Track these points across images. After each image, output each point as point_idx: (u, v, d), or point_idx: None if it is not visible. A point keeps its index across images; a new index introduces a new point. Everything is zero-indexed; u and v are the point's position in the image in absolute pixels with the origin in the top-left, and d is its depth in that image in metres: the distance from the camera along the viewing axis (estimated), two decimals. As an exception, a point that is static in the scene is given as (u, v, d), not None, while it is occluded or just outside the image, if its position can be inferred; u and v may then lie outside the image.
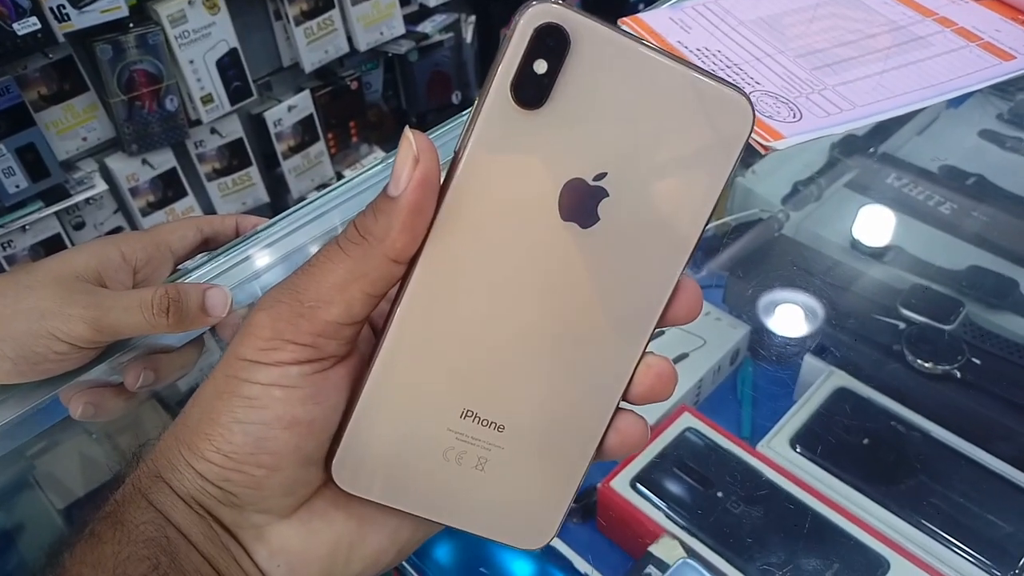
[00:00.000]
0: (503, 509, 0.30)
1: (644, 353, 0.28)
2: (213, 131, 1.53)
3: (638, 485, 0.61)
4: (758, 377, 0.74)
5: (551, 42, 0.24)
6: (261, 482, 0.27)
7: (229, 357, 0.28)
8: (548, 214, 0.26)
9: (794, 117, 0.53)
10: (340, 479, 0.28)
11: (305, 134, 1.64)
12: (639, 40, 0.25)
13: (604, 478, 0.62)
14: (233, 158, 1.58)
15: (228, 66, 1.46)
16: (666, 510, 0.60)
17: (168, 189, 1.51)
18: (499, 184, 0.25)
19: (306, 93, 1.62)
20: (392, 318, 0.27)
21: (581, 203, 0.26)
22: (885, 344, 0.67)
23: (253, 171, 1.61)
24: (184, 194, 1.54)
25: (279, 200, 1.68)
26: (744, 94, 0.26)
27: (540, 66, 0.24)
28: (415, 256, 0.26)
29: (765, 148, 0.50)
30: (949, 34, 0.60)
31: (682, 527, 0.59)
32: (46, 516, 0.73)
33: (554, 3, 0.24)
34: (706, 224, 0.26)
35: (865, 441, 0.63)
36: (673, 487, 0.61)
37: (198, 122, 1.49)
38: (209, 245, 0.50)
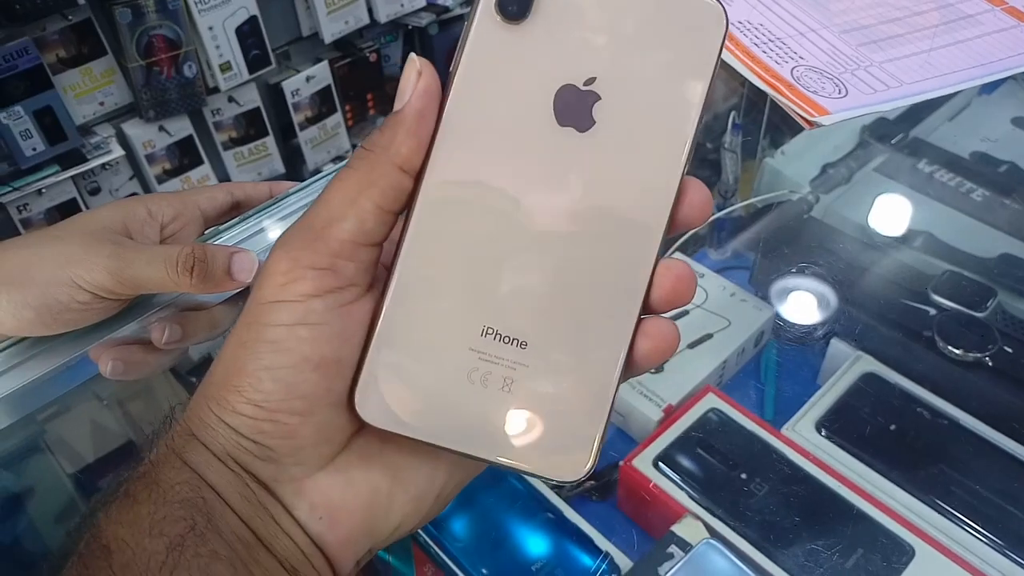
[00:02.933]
0: (536, 435, 0.28)
1: (659, 257, 0.28)
2: (231, 99, 1.52)
3: (660, 464, 0.61)
4: (783, 360, 0.73)
5: None
6: (295, 430, 0.27)
7: (250, 304, 0.27)
8: (545, 121, 0.27)
9: (839, 93, 0.51)
10: (363, 411, 0.27)
11: (322, 105, 1.63)
12: None
13: (626, 457, 0.62)
14: (250, 127, 1.57)
15: (247, 34, 1.45)
16: (688, 490, 0.59)
17: (184, 157, 1.50)
18: (494, 96, 0.27)
19: (324, 64, 1.60)
20: (403, 239, 0.27)
21: (575, 107, 0.27)
22: (915, 330, 0.66)
23: (269, 141, 1.60)
24: (200, 162, 1.53)
25: (295, 171, 1.67)
26: (716, 3, 0.27)
27: None
28: (419, 176, 0.27)
29: (810, 123, 0.49)
30: (999, 13, 0.58)
31: (704, 508, 0.58)
32: (56, 480, 0.73)
33: None
34: (699, 123, 0.27)
35: (892, 427, 0.62)
36: (696, 467, 0.60)
37: (216, 90, 1.48)
38: (240, 209, 0.49)
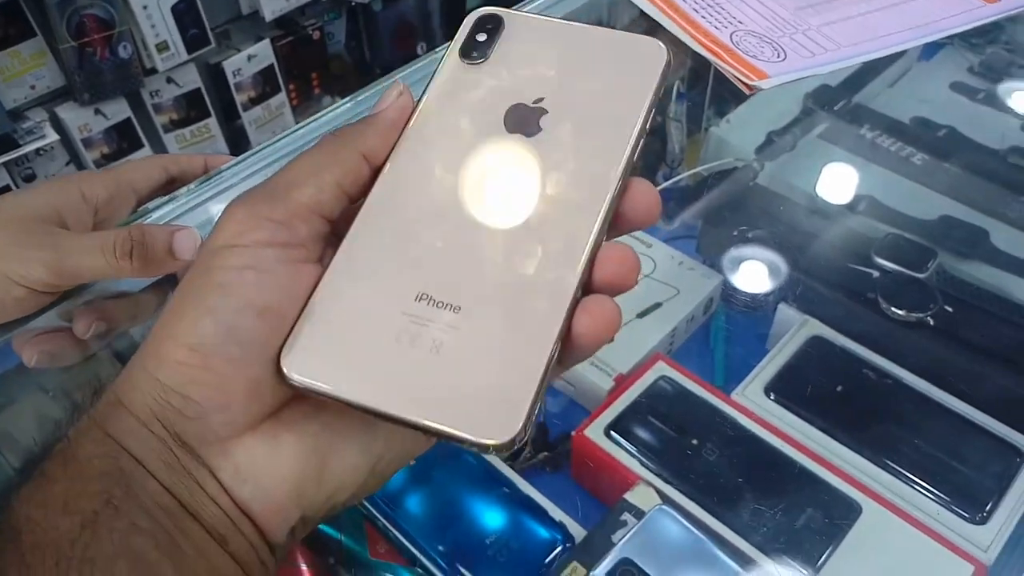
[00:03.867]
0: (462, 396, 0.27)
1: (598, 241, 0.29)
2: (169, 80, 1.48)
3: (612, 433, 0.61)
4: (731, 326, 0.74)
5: (489, 23, 0.32)
6: (227, 380, 0.26)
7: (201, 253, 0.28)
8: (495, 128, 0.30)
9: (778, 57, 0.51)
10: (288, 368, 0.27)
11: (266, 85, 1.60)
12: (561, 19, 0.32)
13: (578, 427, 0.61)
14: (191, 109, 1.53)
15: (184, 12, 1.41)
16: (641, 458, 0.59)
17: (123, 140, 1.46)
18: (452, 112, 0.31)
19: (266, 42, 1.57)
20: (354, 219, 0.29)
21: (523, 118, 0.30)
22: (859, 292, 0.67)
23: (212, 122, 1.56)
24: (140, 145, 1.49)
25: (239, 153, 1.64)
26: (657, 41, 0.31)
27: (481, 36, 0.32)
28: (377, 173, 0.30)
29: (749, 88, 0.49)
30: (934, -26, 0.59)
31: (657, 475, 0.58)
32: (2, 474, 0.71)
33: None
34: (640, 134, 0.30)
35: (839, 389, 0.62)
36: (647, 435, 0.60)
37: (153, 71, 1.44)
38: (175, 185, 0.48)
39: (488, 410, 0.26)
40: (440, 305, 0.28)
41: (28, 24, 1.29)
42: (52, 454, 0.26)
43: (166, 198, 0.48)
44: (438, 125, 0.31)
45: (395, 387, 0.27)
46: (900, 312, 0.64)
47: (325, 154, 0.29)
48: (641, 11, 0.58)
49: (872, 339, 0.64)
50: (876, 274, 0.68)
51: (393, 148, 0.30)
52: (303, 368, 0.27)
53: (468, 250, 0.28)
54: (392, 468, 0.30)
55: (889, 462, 0.58)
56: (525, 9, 0.57)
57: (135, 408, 0.26)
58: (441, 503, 0.59)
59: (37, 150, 1.35)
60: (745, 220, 0.76)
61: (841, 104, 0.87)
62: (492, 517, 0.59)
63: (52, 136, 1.35)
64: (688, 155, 0.84)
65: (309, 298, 0.28)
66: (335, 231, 0.29)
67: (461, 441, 0.26)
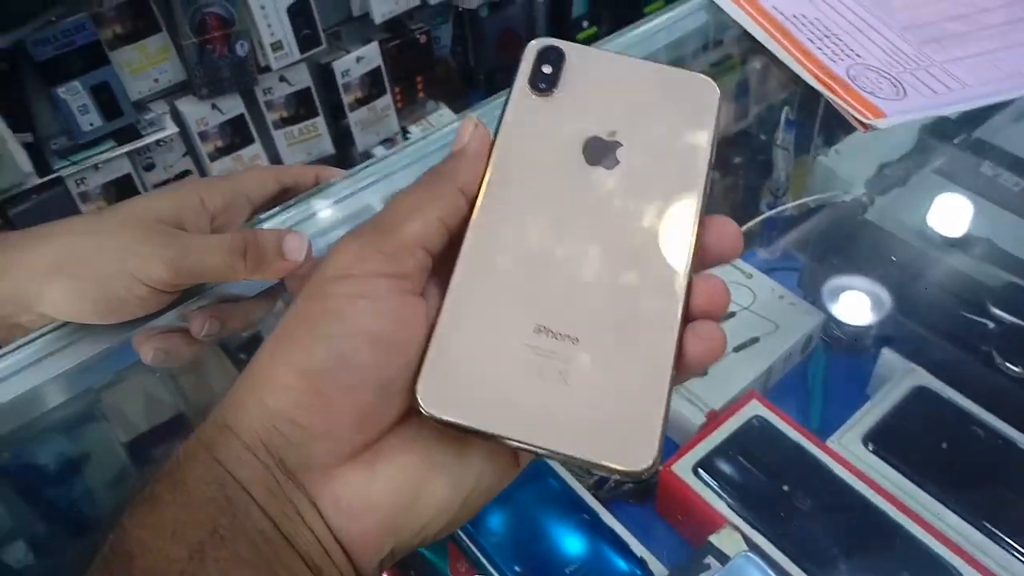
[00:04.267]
0: (594, 427, 0.28)
1: (692, 271, 0.30)
2: (282, 79, 1.52)
3: (700, 471, 0.60)
4: (831, 368, 0.71)
5: (552, 54, 0.33)
6: (337, 406, 0.27)
7: (312, 283, 0.29)
8: (577, 161, 0.31)
9: (898, 94, 0.49)
10: (425, 401, 0.27)
11: (372, 87, 1.63)
12: (615, 52, 0.34)
13: (666, 461, 0.61)
14: (300, 107, 1.57)
15: (298, 13, 1.45)
16: (728, 499, 0.58)
17: (236, 135, 1.51)
18: (532, 145, 0.32)
19: (375, 45, 1.59)
20: (460, 251, 0.30)
21: (602, 152, 0.31)
22: (971, 344, 0.64)
23: (319, 121, 1.60)
24: (251, 141, 1.54)
25: (344, 152, 1.68)
26: (708, 78, 0.33)
27: (546, 67, 0.33)
28: (472, 205, 0.31)
29: (864, 126, 0.47)
30: (1076, 14, 0.55)
31: (743, 518, 0.57)
32: (111, 448, 0.75)
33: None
34: (709, 168, 0.31)
35: (944, 445, 0.60)
36: (737, 476, 0.59)
37: (267, 69, 1.48)
38: (287, 195, 0.49)
39: (624, 438, 0.28)
40: (559, 336, 0.29)
41: (154, 20, 1.35)
42: (160, 476, 0.27)
43: (278, 208, 0.49)
44: (521, 158, 0.32)
45: (530, 419, 0.28)
46: (1016, 369, 0.61)
47: (427, 190, 0.30)
48: (747, 33, 0.56)
49: (983, 394, 0.61)
50: (992, 325, 0.64)
51: (483, 181, 0.31)
52: (441, 402, 0.28)
53: (576, 282, 0.30)
54: (481, 501, 0.30)
55: (991, 527, 0.55)
56: (640, 28, 0.57)
57: (242, 433, 0.27)
58: (523, 525, 0.59)
59: (157, 141, 1.41)
60: (851, 256, 0.73)
61: (960, 138, 0.82)
62: (572, 544, 0.59)
63: (171, 128, 1.41)
64: (795, 184, 0.82)
65: (433, 331, 0.29)
66: (436, 264, 0.30)
67: (604, 469, 0.27)
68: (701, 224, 0.30)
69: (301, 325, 0.28)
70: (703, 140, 0.32)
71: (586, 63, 0.33)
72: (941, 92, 0.50)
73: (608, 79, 0.33)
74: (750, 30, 0.55)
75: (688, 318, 0.29)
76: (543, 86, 0.32)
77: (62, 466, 0.86)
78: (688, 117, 0.32)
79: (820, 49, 0.53)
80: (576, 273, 0.30)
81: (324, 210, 0.50)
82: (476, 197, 0.31)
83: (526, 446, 0.28)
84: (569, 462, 0.28)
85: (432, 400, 0.28)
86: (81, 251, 0.40)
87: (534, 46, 0.33)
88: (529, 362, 0.28)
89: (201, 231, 0.44)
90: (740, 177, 1.52)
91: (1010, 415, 0.59)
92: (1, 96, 1.20)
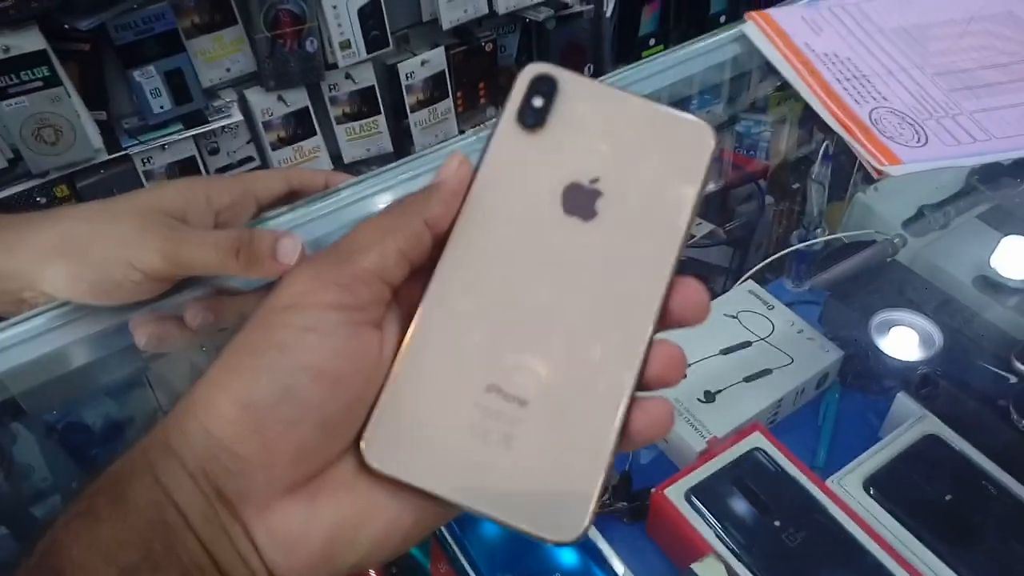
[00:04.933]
0: (530, 494, 0.28)
1: (653, 338, 0.29)
2: (347, 76, 1.56)
3: (693, 497, 0.59)
4: (844, 407, 0.70)
5: (544, 84, 0.31)
6: (276, 441, 0.27)
7: (261, 310, 0.28)
8: (554, 209, 0.30)
9: (918, 141, 0.48)
10: (369, 455, 0.28)
11: (435, 90, 1.65)
12: (613, 86, 0.32)
13: (660, 484, 0.60)
14: (363, 104, 1.61)
15: (369, 15, 1.49)
16: (717, 528, 0.58)
17: (298, 127, 1.56)
18: (511, 186, 0.31)
19: (441, 50, 1.62)
20: (422, 299, 0.29)
21: (580, 201, 0.30)
22: (990, 396, 0.62)
23: (381, 120, 1.63)
24: (313, 133, 1.58)
25: (402, 151, 1.71)
26: (705, 120, 0.31)
27: (537, 100, 0.31)
28: (441, 245, 0.30)
29: (878, 172, 0.46)
30: (1117, 69, 0.53)
31: (730, 549, 0.56)
32: (154, 415, 0.78)
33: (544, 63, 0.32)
34: (690, 221, 0.30)
35: (948, 496, 0.58)
36: (728, 507, 0.59)
37: (334, 66, 1.52)
38: (295, 197, 0.51)
39: (556, 509, 0.28)
40: (509, 398, 0.29)
41: (231, 13, 1.41)
42: (101, 487, 0.27)
43: (284, 209, 0.51)
44: (498, 201, 0.31)
45: (470, 481, 0.29)
46: (1031, 426, 0.59)
47: (389, 220, 0.29)
48: (771, 66, 0.55)
49: (996, 450, 0.59)
50: (1013, 380, 0.62)
51: (455, 220, 0.30)
52: (385, 458, 0.28)
53: (533, 341, 0.29)
54: (421, 537, 0.30)
55: (989, 586, 0.54)
56: (661, 59, 0.57)
57: (185, 458, 0.27)
58: (509, 536, 0.60)
59: (223, 127, 1.46)
60: (877, 297, 0.72)
61: (1011, 184, 0.80)
62: (556, 557, 0.59)
63: (237, 116, 1.46)
64: (830, 219, 0.81)
65: (386, 381, 0.29)
66: (395, 297, 0.30)
67: (534, 536, 0.28)
68: (671, 285, 0.30)
69: (246, 355, 0.27)
70: (688, 194, 0.30)
71: (579, 97, 0.32)
72: (965, 142, 0.49)
73: (599, 118, 0.31)
74: (777, 66, 0.54)
75: (642, 385, 0.29)
76: (531, 122, 0.31)
77: (107, 427, 0.90)
78: (677, 167, 0.31)
79: (846, 90, 0.52)
80: (534, 333, 0.29)
81: (329, 214, 0.51)
82: (447, 236, 0.30)
83: (462, 506, 0.29)
84: (502, 525, 0.28)
85: (375, 454, 0.28)
86: (82, 236, 0.42)
87: (528, 73, 0.32)
88: (475, 423, 0.29)
89: (204, 226, 0.45)
90: (796, 203, 1.49)
91: (1021, 472, 0.57)
92: (80, 75, 1.26)
